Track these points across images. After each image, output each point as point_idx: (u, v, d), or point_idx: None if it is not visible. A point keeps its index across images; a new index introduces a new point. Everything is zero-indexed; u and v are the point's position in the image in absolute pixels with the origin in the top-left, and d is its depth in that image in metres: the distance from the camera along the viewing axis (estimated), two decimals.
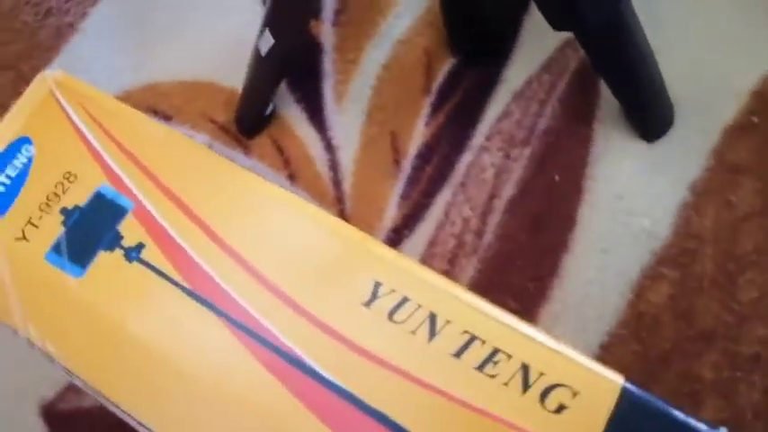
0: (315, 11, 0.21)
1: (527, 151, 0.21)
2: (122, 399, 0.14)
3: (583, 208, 0.20)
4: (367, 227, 0.21)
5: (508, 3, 0.23)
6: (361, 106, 0.23)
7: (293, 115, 0.23)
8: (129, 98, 0.24)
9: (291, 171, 0.22)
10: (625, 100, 0.20)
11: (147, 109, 0.24)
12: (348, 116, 0.23)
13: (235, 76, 0.24)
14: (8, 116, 0.17)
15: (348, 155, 0.22)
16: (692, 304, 0.19)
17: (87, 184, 0.16)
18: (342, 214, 0.21)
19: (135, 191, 0.16)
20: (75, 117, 0.17)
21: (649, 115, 0.21)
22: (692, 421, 0.13)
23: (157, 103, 0.24)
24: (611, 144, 0.21)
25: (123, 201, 0.16)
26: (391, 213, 0.21)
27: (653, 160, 0.21)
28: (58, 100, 0.17)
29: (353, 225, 0.19)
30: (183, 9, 0.25)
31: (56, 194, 0.16)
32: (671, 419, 0.13)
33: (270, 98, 0.22)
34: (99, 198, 0.16)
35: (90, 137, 0.17)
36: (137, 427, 0.14)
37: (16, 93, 0.25)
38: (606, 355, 0.19)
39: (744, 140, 0.20)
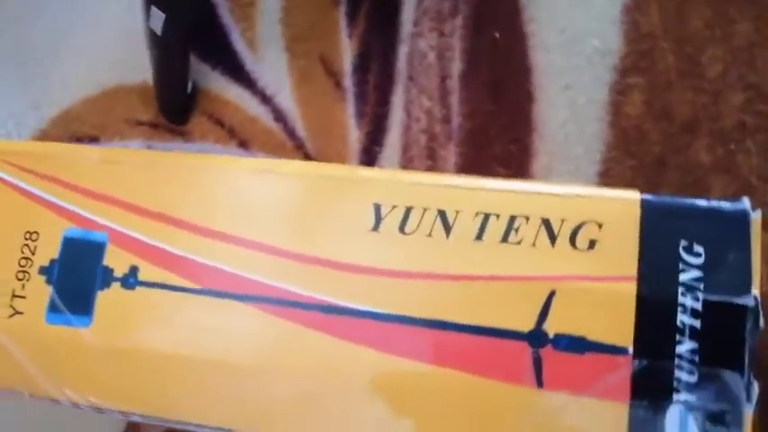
0: None
1: (458, 21, 0.20)
2: (187, 414, 0.14)
3: (532, 53, 0.20)
4: (336, 158, 0.20)
5: None
6: (277, 46, 0.22)
7: (216, 83, 0.22)
8: (45, 137, 0.23)
9: (240, 138, 0.21)
10: None
11: (69, 139, 0.23)
12: (270, 61, 0.22)
13: (138, 70, 0.22)
14: None
15: (287, 98, 0.21)
16: (666, 101, 0.19)
17: (52, 234, 0.15)
18: (308, 157, 0.21)
19: (100, 220, 0.15)
20: (5, 176, 0.16)
21: None
22: (715, 203, 0.13)
23: (76, 129, 0.23)
24: None
25: (95, 235, 0.15)
26: (354, 136, 0.21)
27: None
28: None
29: (323, 162, 0.19)
30: (56, 28, 0.23)
31: (26, 258, 0.16)
32: (696, 209, 0.13)
33: (186, 76, 0.21)
34: (70, 243, 0.15)
35: (30, 188, 0.16)
36: None
37: None
38: (607, 180, 0.19)
39: None
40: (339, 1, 0.22)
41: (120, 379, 0.15)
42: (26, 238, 0.16)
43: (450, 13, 0.21)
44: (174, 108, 0.22)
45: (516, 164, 0.19)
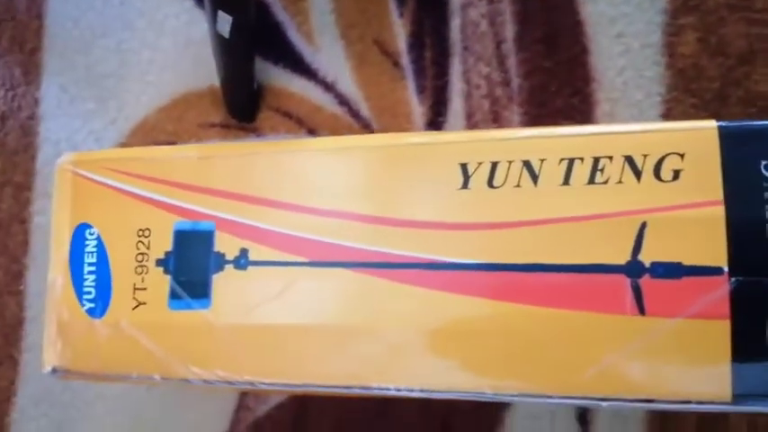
0: None
1: None
2: (308, 377, 0.15)
3: (581, 6, 0.21)
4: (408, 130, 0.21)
5: None
6: (332, 35, 0.23)
7: (279, 78, 0.23)
8: (127, 147, 0.24)
9: (309, 126, 0.22)
10: None
11: (150, 144, 0.24)
12: (327, 50, 0.23)
13: (203, 76, 0.24)
14: (53, 217, 0.18)
15: (348, 83, 0.22)
16: (720, 36, 0.20)
17: (163, 229, 0.17)
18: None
19: (205, 211, 0.17)
20: (109, 181, 0.18)
21: None
22: None
23: (154, 137, 0.24)
24: None
25: (202, 225, 0.17)
26: (417, 111, 0.21)
27: None
28: (84, 176, 0.18)
29: (403, 132, 0.20)
30: (121, 48, 0.25)
31: (142, 254, 0.17)
32: None
33: (252, 75, 0.22)
34: (180, 235, 0.17)
35: (136, 190, 0.17)
36: (340, 393, 0.15)
37: (20, 204, 0.25)
38: (672, 120, 0.20)
39: None
40: None
41: (244, 352, 0.16)
42: (139, 236, 0.17)
43: None
44: (242, 107, 0.23)
45: (579, 115, 0.20)
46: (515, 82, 0.20)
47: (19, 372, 0.25)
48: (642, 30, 0.20)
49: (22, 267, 0.25)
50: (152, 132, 0.24)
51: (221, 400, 0.22)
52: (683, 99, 0.20)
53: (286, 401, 0.22)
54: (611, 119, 0.20)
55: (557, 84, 0.20)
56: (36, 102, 0.26)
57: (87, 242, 0.17)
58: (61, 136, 0.25)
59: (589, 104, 0.20)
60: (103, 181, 0.18)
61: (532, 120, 0.20)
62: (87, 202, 0.18)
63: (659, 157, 0.14)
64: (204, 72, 0.23)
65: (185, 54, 0.24)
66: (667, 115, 0.20)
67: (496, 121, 0.20)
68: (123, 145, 0.24)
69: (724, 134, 0.14)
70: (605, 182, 0.14)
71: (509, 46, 0.21)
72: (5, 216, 0.25)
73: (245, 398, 0.22)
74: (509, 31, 0.21)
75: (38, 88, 0.26)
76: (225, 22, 0.19)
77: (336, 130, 0.22)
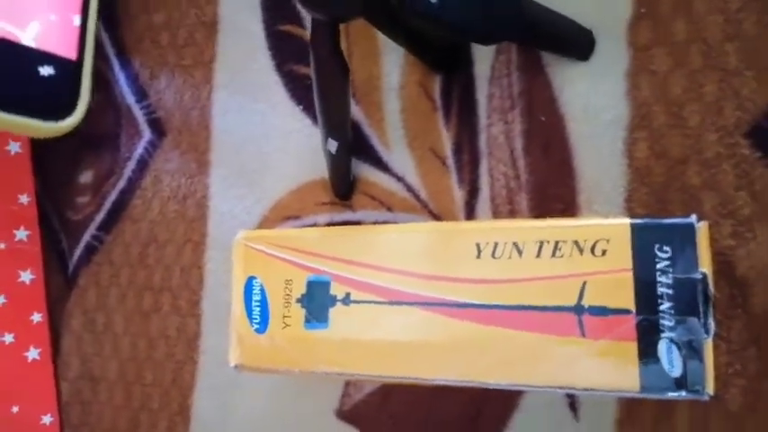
0: (348, 107, 0.30)
1: (516, 112, 0.30)
2: (399, 372, 0.25)
3: (568, 124, 0.29)
4: (448, 211, 0.31)
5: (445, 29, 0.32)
6: (402, 143, 0.33)
7: (366, 171, 0.33)
8: (267, 220, 0.35)
9: (387, 205, 0.32)
10: (553, 48, 0.29)
11: (282, 219, 0.35)
12: (398, 153, 0.33)
13: (318, 169, 0.34)
14: (233, 272, 0.28)
15: (412, 176, 0.32)
16: (664, 146, 0.28)
17: (299, 280, 0.27)
18: (431, 213, 0.31)
19: (325, 269, 0.27)
20: (267, 250, 0.28)
21: (574, 45, 0.30)
22: (675, 219, 0.22)
23: (285, 213, 0.35)
24: (562, 77, 0.30)
25: (323, 278, 0.27)
26: (459, 195, 0.31)
27: (595, 71, 0.29)
28: (251, 246, 0.28)
29: (443, 216, 0.29)
30: (261, 150, 0.36)
31: (288, 295, 0.27)
32: (664, 224, 0.22)
33: (349, 171, 0.32)
34: (311, 284, 0.27)
35: (282, 255, 0.28)
36: (428, 383, 0.25)
37: (196, 255, 0.37)
38: (630, 204, 0.28)
39: (643, 26, 0.29)
40: (437, 108, 0.32)
41: (350, 355, 0.26)
42: (286, 284, 0.27)
43: (509, 108, 0.30)
44: (343, 192, 0.33)
45: (567, 200, 0.29)
46: (523, 177, 0.29)
47: (198, 369, 0.36)
48: (609, 142, 0.28)
49: (199, 299, 0.36)
50: (284, 209, 0.35)
51: (332, 388, 0.32)
52: (639, 188, 0.28)
53: (376, 390, 0.32)
54: (589, 203, 0.28)
55: (551, 178, 0.29)
56: (206, 186, 0.37)
57: (254, 288, 0.28)
58: (224, 209, 0.36)
59: (574, 193, 0.29)
60: (263, 249, 0.28)
61: (535, 203, 0.29)
62: (253, 263, 0.28)
63: (594, 240, 0.23)
64: (318, 167, 0.34)
65: (305, 155, 0.35)
66: (629, 199, 0.28)
67: (510, 203, 0.29)
68: (266, 217, 0.35)
69: (634, 227, 0.22)
70: (562, 256, 0.23)
71: (519, 153, 0.30)
72: (187, 263, 0.37)
73: (348, 387, 0.32)
74: (519, 143, 0.30)
75: (207, 177, 0.37)
76: (333, 145, 0.30)
77: (405, 208, 0.32)
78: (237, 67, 0.37)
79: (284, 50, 0.36)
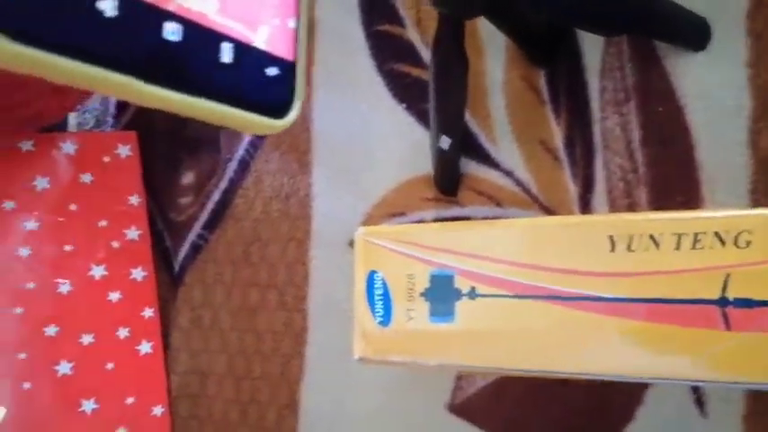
0: (465, 103, 0.31)
1: (631, 104, 0.30)
2: (512, 363, 0.25)
3: (687, 115, 0.29)
4: (561, 205, 0.31)
5: (550, 20, 0.32)
6: (509, 139, 0.33)
7: (473, 168, 0.33)
8: (371, 217, 0.36)
9: (496, 201, 0.32)
10: (668, 37, 0.29)
11: (387, 216, 0.35)
12: (506, 148, 0.33)
13: (420, 165, 0.34)
14: (355, 267, 0.29)
15: (522, 171, 0.32)
16: None
17: (422, 274, 0.27)
18: (542, 207, 0.31)
19: (449, 263, 0.27)
20: (387, 245, 0.29)
21: (689, 35, 0.29)
22: None
23: (390, 210, 0.35)
24: (680, 67, 0.29)
25: (447, 272, 0.27)
26: (573, 189, 0.31)
27: (712, 60, 0.29)
28: (371, 242, 0.29)
29: (556, 211, 0.29)
30: (365, 148, 0.36)
31: (411, 289, 0.28)
32: None
33: (458, 168, 0.33)
34: (434, 278, 0.27)
35: (403, 250, 0.28)
36: (542, 375, 0.25)
37: (301, 252, 0.38)
38: (757, 195, 0.27)
39: (763, 14, 0.28)
40: (544, 101, 0.32)
41: (479, 349, 0.26)
42: (408, 278, 0.28)
43: (624, 100, 0.30)
44: (449, 188, 0.33)
45: (689, 192, 0.28)
46: (641, 170, 0.29)
47: (305, 362, 0.37)
48: (732, 132, 0.28)
49: (305, 294, 0.37)
50: (389, 206, 0.35)
51: (443, 381, 0.32)
52: (764, 179, 0.27)
53: (489, 383, 0.32)
54: (712, 194, 0.28)
55: (671, 170, 0.29)
56: (308, 185, 0.38)
57: (376, 282, 0.29)
58: (328, 208, 0.37)
59: (696, 184, 0.28)
60: (384, 245, 0.29)
61: (654, 196, 0.29)
62: (374, 257, 0.29)
63: (737, 232, 0.22)
64: (420, 164, 0.34)
65: (407, 152, 0.35)
66: (753, 191, 0.27)
67: (629, 197, 0.29)
68: (370, 215, 0.36)
69: None
70: (702, 248, 0.23)
71: (636, 145, 0.29)
72: (292, 260, 0.38)
73: (460, 380, 0.32)
74: (636, 134, 0.29)
75: (309, 176, 0.38)
76: (446, 142, 0.30)
77: (515, 202, 0.32)
78: (336, 67, 0.37)
79: (384, 50, 0.36)
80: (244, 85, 0.12)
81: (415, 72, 0.35)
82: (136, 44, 0.10)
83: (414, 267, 0.28)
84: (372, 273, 0.29)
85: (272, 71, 0.13)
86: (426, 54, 0.35)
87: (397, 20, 0.36)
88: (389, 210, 0.35)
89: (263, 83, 0.13)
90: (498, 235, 0.26)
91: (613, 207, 0.29)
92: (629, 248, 0.24)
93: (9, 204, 0.39)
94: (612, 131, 0.30)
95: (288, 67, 0.13)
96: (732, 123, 0.28)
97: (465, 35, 0.25)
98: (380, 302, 0.28)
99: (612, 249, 0.24)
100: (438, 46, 0.26)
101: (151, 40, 0.11)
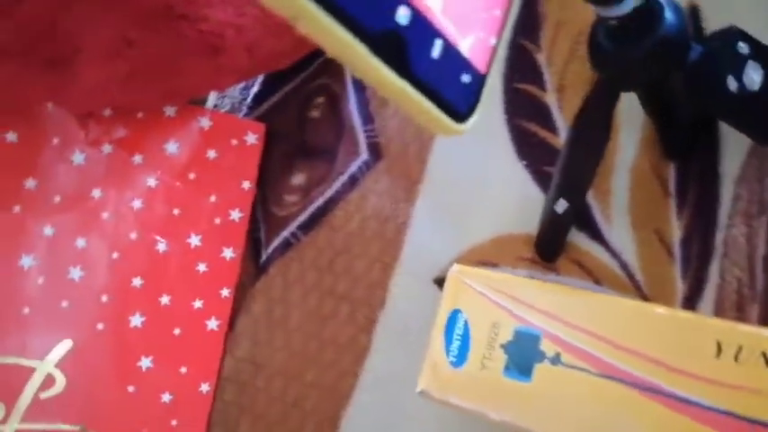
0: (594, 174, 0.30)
1: (763, 219, 0.29)
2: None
3: None
4: (664, 301, 0.29)
5: (702, 115, 0.31)
6: (624, 219, 0.32)
7: (580, 239, 0.33)
8: (461, 261, 0.36)
9: (595, 278, 0.31)
10: None
11: (477, 263, 0.35)
12: (619, 229, 0.32)
13: (523, 223, 0.34)
14: (442, 301, 0.29)
15: (630, 255, 0.31)
16: None
17: (507, 326, 0.27)
18: (644, 297, 0.30)
19: (538, 323, 0.26)
20: (479, 288, 0.28)
21: None
22: None
23: (482, 259, 0.35)
24: None
25: (534, 331, 0.26)
26: (680, 287, 0.29)
27: None
28: (464, 281, 0.29)
29: (655, 305, 0.28)
30: (473, 191, 0.37)
31: (492, 338, 0.27)
32: None
33: (566, 235, 0.32)
34: (519, 334, 0.27)
35: (494, 298, 0.28)
36: None
37: (384, 275, 0.38)
38: None
39: None
40: (670, 194, 0.31)
41: (548, 416, 0.25)
42: (492, 326, 0.27)
43: (757, 213, 0.29)
44: (549, 253, 0.33)
45: None
46: (760, 286, 0.28)
47: (357, 383, 0.37)
48: None
49: (376, 317, 0.37)
50: (482, 254, 0.35)
51: None
52: None
53: None
54: None
55: None
56: (409, 214, 0.38)
57: (458, 321, 0.28)
58: (422, 240, 0.37)
59: None
60: (475, 287, 0.28)
61: (767, 316, 0.27)
62: (463, 297, 0.28)
63: None
64: (524, 223, 0.34)
65: (515, 208, 0.35)
66: None
67: (740, 311, 0.28)
68: (461, 257, 0.36)
69: None
70: None
71: (758, 261, 0.28)
72: (374, 281, 0.38)
73: None
74: (761, 250, 0.28)
75: (412, 206, 0.39)
76: (562, 205, 0.30)
77: (615, 285, 0.31)
78: None
79: (518, 106, 0.37)
80: (441, 83, 0.13)
81: (543, 134, 0.36)
82: (373, 17, 0.11)
83: (500, 317, 0.27)
84: (457, 311, 0.29)
85: (466, 78, 0.13)
86: (559, 120, 0.35)
87: (539, 82, 0.37)
88: (482, 258, 0.35)
89: (456, 86, 0.13)
90: (599, 309, 0.26)
91: (720, 317, 0.28)
92: (735, 359, 0.23)
93: (138, 158, 0.42)
94: (736, 240, 0.29)
95: (479, 79, 0.14)
96: None
97: (615, 108, 0.25)
98: (458, 342, 0.28)
99: (718, 356, 0.23)
100: (585, 110, 0.26)
101: (386, 18, 0.12)
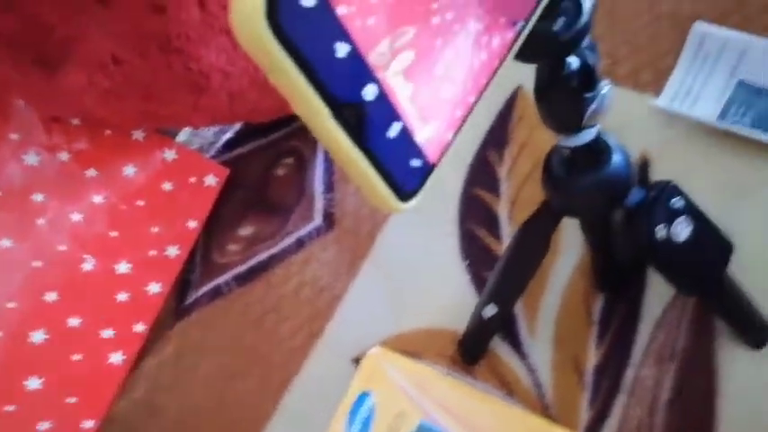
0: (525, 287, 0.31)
1: (673, 365, 0.30)
2: None
3: (719, 401, 0.29)
4: (569, 425, 0.30)
5: (635, 255, 0.33)
6: (547, 338, 0.33)
7: (501, 348, 0.33)
8: (385, 345, 0.36)
9: (508, 389, 0.32)
10: (731, 321, 0.29)
11: (400, 351, 0.35)
12: (540, 345, 0.33)
13: (454, 321, 0.35)
14: (354, 380, 0.29)
15: (545, 374, 0.32)
16: None
17: (412, 418, 0.27)
18: (551, 417, 0.30)
19: (442, 421, 0.26)
20: (395, 374, 0.28)
21: (750, 329, 0.30)
22: None
23: (407, 347, 0.35)
24: (731, 353, 0.30)
25: (436, 429, 0.26)
26: (584, 415, 0.30)
27: (762, 363, 0.29)
28: (382, 365, 0.29)
29: (559, 427, 0.28)
30: (412, 282, 0.37)
31: (394, 428, 0.27)
32: None
33: (489, 340, 0.33)
34: (422, 428, 0.26)
35: (407, 386, 0.28)
36: None
37: (304, 341, 0.37)
38: None
39: None
40: (593, 322, 0.33)
41: None
42: (397, 415, 0.27)
43: (668, 357, 0.30)
44: (471, 357, 0.33)
45: None
46: (657, 430, 0.28)
47: None
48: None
49: (289, 384, 0.36)
50: (407, 343, 0.35)
51: None
52: None
53: None
54: None
55: None
56: (346, 288, 0.39)
57: (366, 403, 0.28)
58: (352, 316, 0.37)
59: None
60: (391, 373, 0.28)
61: None
62: (376, 380, 0.28)
63: None
64: (455, 322, 0.35)
65: (449, 304, 0.36)
66: None
67: None
68: (385, 341, 0.36)
69: None
70: None
71: (661, 405, 0.29)
72: (296, 346, 0.38)
73: None
74: (665, 395, 0.29)
75: (352, 280, 0.39)
76: (490, 310, 0.31)
77: (525, 400, 0.31)
78: (425, 204, 0.39)
79: (472, 210, 0.38)
80: (391, 161, 0.14)
81: (489, 240, 0.37)
82: (342, 87, 0.12)
83: (408, 408, 0.27)
84: (367, 394, 0.28)
85: (416, 162, 0.14)
86: (506, 230, 0.37)
87: (495, 192, 0.39)
88: (406, 346, 0.35)
89: (405, 167, 0.14)
90: (505, 420, 0.26)
91: None
92: None
93: (91, 173, 0.42)
94: (645, 381, 0.30)
95: (428, 167, 0.15)
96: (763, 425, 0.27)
97: (555, 230, 0.27)
98: (360, 425, 0.27)
99: None
100: (529, 225, 0.27)
101: (353, 91, 0.13)
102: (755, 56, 0.35)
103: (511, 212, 0.38)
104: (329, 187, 0.43)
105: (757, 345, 0.29)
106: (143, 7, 0.33)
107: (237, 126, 0.48)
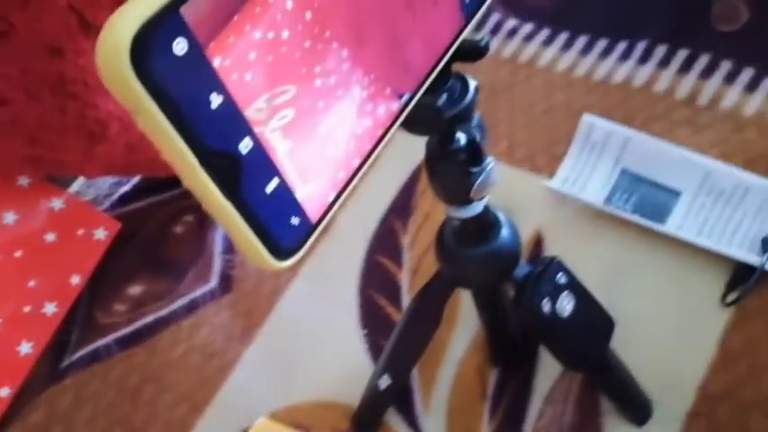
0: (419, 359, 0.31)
1: None
2: None
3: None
4: None
5: (525, 329, 0.34)
6: (441, 411, 0.32)
7: (396, 418, 0.32)
8: (276, 417, 0.34)
9: None
10: (615, 398, 0.30)
11: (292, 424, 0.33)
12: (434, 419, 0.32)
13: (349, 396, 0.34)
14: None
15: None
16: None
17: None
18: None
19: None
20: None
21: (633, 407, 0.30)
22: None
23: (301, 421, 0.33)
24: (613, 429, 0.30)
25: None
26: None
27: None
28: None
29: None
30: (309, 351, 0.36)
31: None
32: None
33: (382, 415, 0.32)
34: None
35: None
36: None
37: (194, 413, 0.35)
38: None
39: (698, 423, 0.30)
40: (486, 397, 0.32)
41: None
42: None
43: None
44: (366, 429, 0.32)
45: None
46: None
47: None
48: None
49: None
50: (299, 415, 0.33)
51: None
52: None
53: None
54: None
55: None
56: (238, 355, 0.37)
57: None
58: (243, 384, 0.35)
59: None
60: None
61: None
62: None
63: None
64: (350, 395, 0.34)
65: (345, 376, 0.35)
66: None
67: None
68: (276, 413, 0.34)
69: None
70: None
71: None
72: (175, 420, 0.35)
73: None
74: None
75: (245, 347, 0.37)
76: (385, 381, 0.30)
77: None
78: (327, 270, 0.39)
79: (373, 277, 0.38)
80: (268, 217, 0.13)
81: (390, 310, 0.37)
82: (216, 136, 0.12)
83: None
84: None
85: (295, 220, 0.14)
86: (406, 299, 0.37)
87: (398, 260, 0.39)
88: (297, 419, 0.33)
89: (283, 224, 0.14)
90: None
91: None
92: None
93: None
94: None
95: (308, 227, 0.14)
96: None
97: (448, 300, 0.27)
98: None
99: None
100: (423, 295, 0.27)
101: (229, 142, 0.12)
102: (636, 147, 0.38)
103: (412, 282, 0.38)
104: (229, 248, 0.42)
105: (639, 422, 0.30)
106: (39, 48, 0.31)
107: (136, 180, 0.46)
